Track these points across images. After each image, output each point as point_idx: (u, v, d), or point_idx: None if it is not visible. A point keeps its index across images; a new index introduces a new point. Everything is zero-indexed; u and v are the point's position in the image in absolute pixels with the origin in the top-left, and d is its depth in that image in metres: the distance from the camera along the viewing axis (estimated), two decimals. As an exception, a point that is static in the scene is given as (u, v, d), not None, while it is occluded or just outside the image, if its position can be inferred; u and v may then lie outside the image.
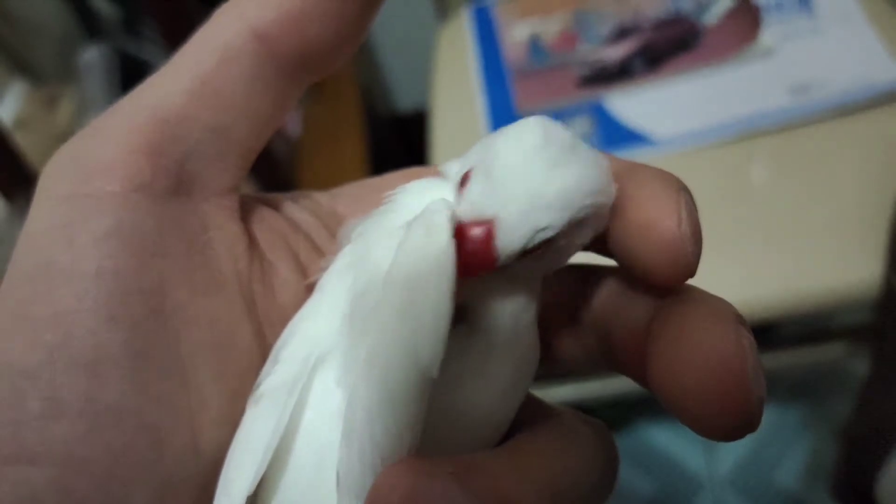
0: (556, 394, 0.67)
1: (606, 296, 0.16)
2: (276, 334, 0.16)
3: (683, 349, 0.13)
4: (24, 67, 0.94)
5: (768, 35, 0.63)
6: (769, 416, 0.93)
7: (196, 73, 0.15)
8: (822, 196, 0.55)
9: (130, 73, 0.83)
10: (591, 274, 0.16)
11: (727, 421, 0.13)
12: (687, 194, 0.14)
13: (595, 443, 0.15)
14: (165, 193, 0.15)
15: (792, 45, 0.63)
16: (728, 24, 0.65)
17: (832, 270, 0.51)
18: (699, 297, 0.14)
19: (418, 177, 0.17)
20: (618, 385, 0.66)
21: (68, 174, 0.14)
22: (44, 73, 0.95)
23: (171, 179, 0.15)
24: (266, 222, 0.17)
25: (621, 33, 0.67)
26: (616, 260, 0.15)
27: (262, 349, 0.16)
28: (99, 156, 0.14)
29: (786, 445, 0.89)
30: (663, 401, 0.13)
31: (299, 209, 0.18)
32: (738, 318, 0.13)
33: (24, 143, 0.78)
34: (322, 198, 0.19)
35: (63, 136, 0.90)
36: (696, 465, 0.88)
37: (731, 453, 0.89)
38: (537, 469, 0.14)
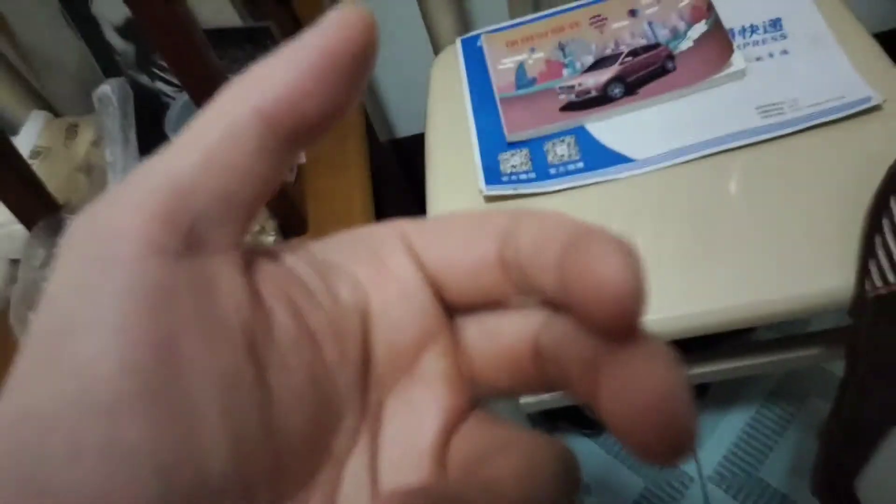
0: (547, 396, 0.67)
1: (562, 331, 0.17)
2: (276, 375, 0.17)
3: (625, 390, 0.15)
4: (43, 101, 0.98)
5: (740, 57, 0.64)
6: (753, 414, 0.95)
7: (204, 147, 0.17)
8: (796, 208, 0.55)
9: (144, 105, 0.86)
10: (550, 309, 0.18)
11: (664, 451, 0.15)
12: (634, 254, 0.15)
13: (557, 466, 0.17)
14: (176, 253, 0.16)
15: (764, 66, 0.64)
16: (701, 50, 0.67)
17: (806, 279, 0.52)
18: (640, 339, 0.16)
19: (402, 229, 0.19)
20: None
21: (89, 237, 0.16)
22: (62, 105, 0.98)
23: (182, 241, 0.16)
24: (266, 272, 0.19)
25: (602, 61, 0.68)
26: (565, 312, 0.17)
27: (263, 390, 0.17)
28: (118, 221, 0.16)
29: (771, 441, 0.91)
30: (612, 432, 0.16)
31: (295, 258, 0.20)
32: (673, 360, 0.15)
33: (43, 172, 0.82)
34: (314, 247, 0.20)
35: (81, 166, 0.92)
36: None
37: (719, 448, 0.91)
38: (504, 496, 0.15)
